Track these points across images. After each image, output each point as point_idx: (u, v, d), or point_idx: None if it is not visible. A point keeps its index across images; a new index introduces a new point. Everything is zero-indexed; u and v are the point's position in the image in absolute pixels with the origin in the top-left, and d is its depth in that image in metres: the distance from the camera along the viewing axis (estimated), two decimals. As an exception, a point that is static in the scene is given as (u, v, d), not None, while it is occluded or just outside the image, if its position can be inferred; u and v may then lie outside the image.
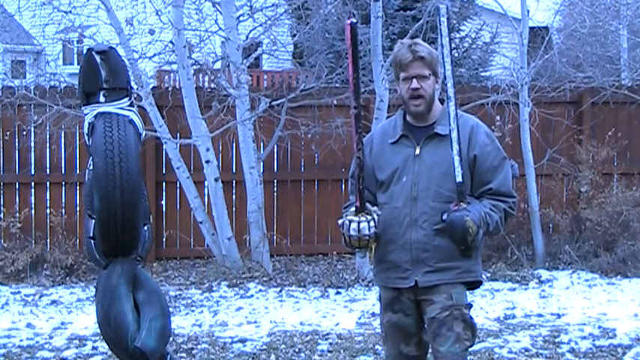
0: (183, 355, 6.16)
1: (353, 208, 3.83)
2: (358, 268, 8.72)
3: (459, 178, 3.72)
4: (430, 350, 3.96)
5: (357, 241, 3.80)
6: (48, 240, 9.17)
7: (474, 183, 3.85)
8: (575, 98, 9.81)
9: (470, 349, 3.93)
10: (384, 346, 4.11)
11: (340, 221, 3.85)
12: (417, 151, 3.86)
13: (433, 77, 3.85)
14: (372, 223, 3.78)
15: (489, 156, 3.84)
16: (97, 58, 4.09)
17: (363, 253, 3.95)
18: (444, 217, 3.73)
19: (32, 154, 9.35)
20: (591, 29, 11.50)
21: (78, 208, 9.22)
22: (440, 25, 3.78)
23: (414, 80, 3.82)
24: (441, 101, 3.95)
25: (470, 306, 3.90)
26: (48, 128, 9.00)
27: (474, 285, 3.95)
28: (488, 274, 8.62)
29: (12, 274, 8.60)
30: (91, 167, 4.05)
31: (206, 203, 9.15)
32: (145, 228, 4.20)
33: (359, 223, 3.78)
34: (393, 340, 3.98)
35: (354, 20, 3.78)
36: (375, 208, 3.84)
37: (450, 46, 3.77)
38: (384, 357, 4.21)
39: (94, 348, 6.31)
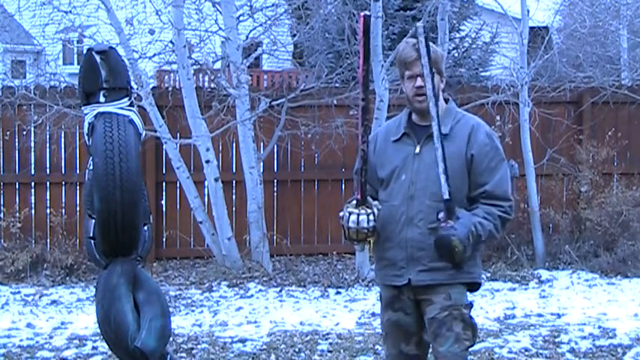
0: (183, 355, 6.16)
1: (354, 201, 3.84)
2: (358, 268, 8.72)
3: (446, 196, 3.71)
4: (431, 350, 3.96)
5: (355, 233, 3.80)
6: (48, 240, 9.17)
7: (471, 183, 3.83)
8: (575, 98, 9.81)
9: (470, 349, 3.93)
10: (385, 344, 4.11)
11: (341, 213, 3.86)
12: (417, 149, 3.86)
13: (438, 76, 3.84)
14: (371, 217, 3.78)
15: (487, 156, 3.82)
16: (97, 58, 4.09)
17: (362, 247, 3.94)
18: (440, 216, 3.72)
19: (32, 154, 9.34)
20: (591, 29, 11.50)
21: (78, 208, 9.22)
22: (419, 44, 3.75)
23: (419, 79, 3.81)
24: (446, 100, 3.95)
25: (470, 306, 3.88)
26: (48, 128, 9.00)
27: (472, 287, 3.93)
28: (488, 274, 8.62)
29: (12, 274, 8.60)
30: (91, 167, 4.05)
31: (206, 203, 9.15)
32: (145, 228, 4.20)
33: (358, 215, 3.78)
34: (393, 339, 3.98)
35: (368, 13, 3.81)
36: (376, 202, 3.84)
37: (430, 66, 3.74)
38: (384, 356, 4.21)
39: (94, 348, 6.31)
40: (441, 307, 3.80)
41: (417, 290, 3.85)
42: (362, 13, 3.77)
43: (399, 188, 3.85)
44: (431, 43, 3.87)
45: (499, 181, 3.82)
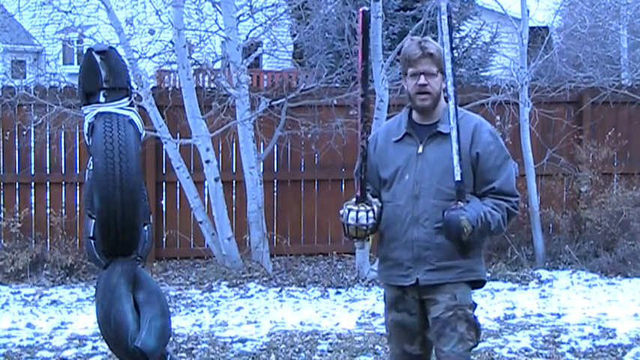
0: (183, 355, 6.16)
1: (354, 198, 3.85)
2: (358, 268, 8.71)
3: (457, 177, 3.73)
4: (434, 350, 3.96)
5: (354, 230, 3.81)
6: (48, 240, 9.17)
7: (477, 181, 3.84)
8: (575, 98, 9.81)
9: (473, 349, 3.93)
10: (388, 344, 4.11)
11: (341, 210, 3.87)
12: (420, 149, 3.87)
13: (441, 75, 3.84)
14: (370, 214, 3.79)
15: (492, 155, 3.84)
16: (97, 58, 4.09)
17: (361, 244, 3.96)
18: (446, 214, 3.73)
19: (32, 154, 9.35)
20: (591, 29, 11.49)
21: (78, 208, 9.22)
22: (440, 23, 3.79)
23: (422, 76, 3.82)
24: (447, 99, 3.95)
25: (474, 306, 3.89)
26: (48, 128, 9.00)
27: (478, 284, 3.94)
28: (488, 274, 8.60)
29: (12, 274, 8.60)
30: (91, 167, 4.06)
31: (206, 203, 9.15)
32: (145, 228, 4.20)
33: (357, 212, 3.79)
34: (397, 339, 3.98)
35: (367, 9, 3.81)
36: (375, 199, 3.86)
37: (451, 44, 3.76)
38: (385, 356, 4.22)
39: (94, 348, 6.31)
40: (445, 307, 3.81)
41: (423, 290, 3.85)
42: (361, 9, 3.78)
43: (403, 188, 3.85)
44: (433, 42, 3.88)
45: (507, 179, 3.85)
